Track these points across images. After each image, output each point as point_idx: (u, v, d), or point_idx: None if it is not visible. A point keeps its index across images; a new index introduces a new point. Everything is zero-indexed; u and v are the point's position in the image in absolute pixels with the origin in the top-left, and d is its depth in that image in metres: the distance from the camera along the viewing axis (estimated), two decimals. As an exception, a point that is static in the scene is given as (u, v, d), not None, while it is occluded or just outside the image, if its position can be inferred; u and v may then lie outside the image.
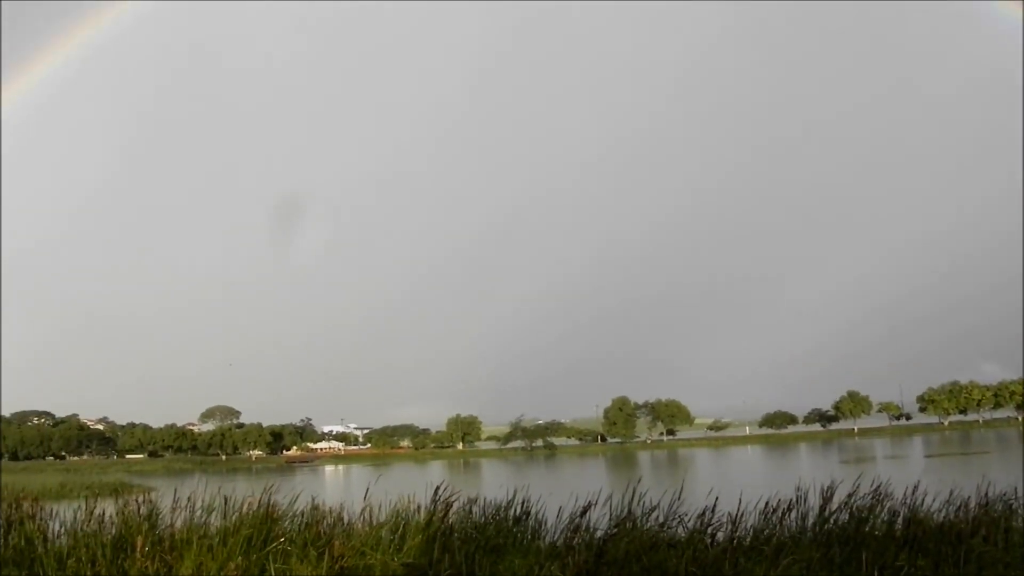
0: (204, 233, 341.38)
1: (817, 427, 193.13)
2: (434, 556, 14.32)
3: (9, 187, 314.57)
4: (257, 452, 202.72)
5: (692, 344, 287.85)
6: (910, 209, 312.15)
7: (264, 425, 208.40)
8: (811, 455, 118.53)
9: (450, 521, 15.87)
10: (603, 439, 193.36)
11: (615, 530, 15.10)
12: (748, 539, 15.37)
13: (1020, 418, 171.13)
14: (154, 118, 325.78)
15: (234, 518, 15.29)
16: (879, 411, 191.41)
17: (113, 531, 15.14)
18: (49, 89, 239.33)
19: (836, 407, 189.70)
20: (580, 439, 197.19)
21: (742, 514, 15.81)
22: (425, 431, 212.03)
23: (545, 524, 17.15)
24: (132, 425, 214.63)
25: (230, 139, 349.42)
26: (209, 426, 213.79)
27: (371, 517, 16.48)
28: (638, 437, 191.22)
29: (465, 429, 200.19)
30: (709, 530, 15.57)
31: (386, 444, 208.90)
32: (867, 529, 15.65)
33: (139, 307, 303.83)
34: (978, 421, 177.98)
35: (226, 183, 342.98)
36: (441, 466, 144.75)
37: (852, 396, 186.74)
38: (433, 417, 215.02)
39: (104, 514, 15.68)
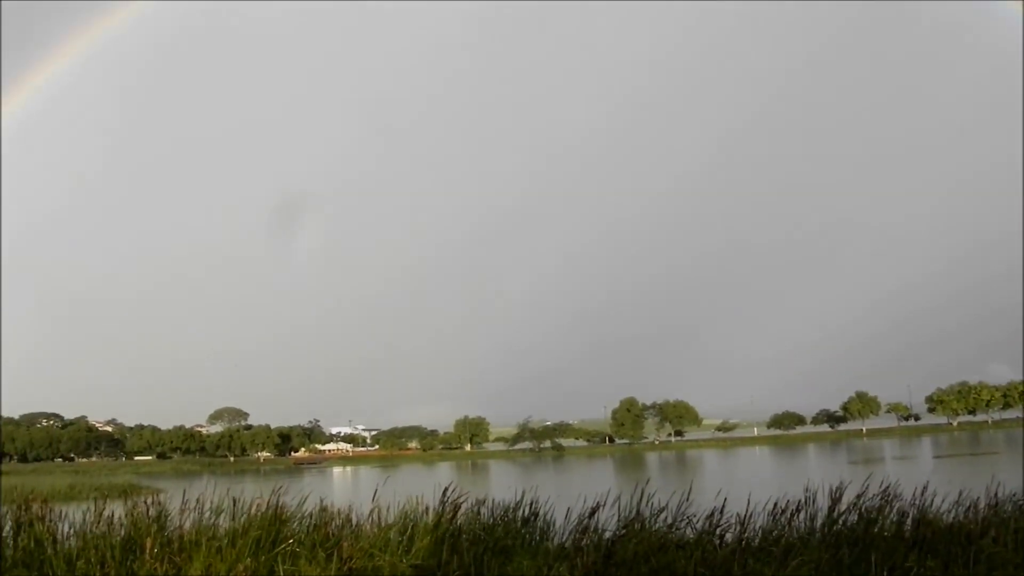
0: (210, 236, 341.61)
1: (825, 428, 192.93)
2: (443, 558, 14.32)
3: (23, 190, 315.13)
4: (265, 454, 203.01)
5: (700, 345, 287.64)
6: (920, 209, 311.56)
7: (272, 427, 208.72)
8: (819, 456, 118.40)
9: (459, 522, 15.85)
10: (611, 440, 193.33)
11: (624, 531, 15.09)
12: (757, 540, 15.35)
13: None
14: (155, 118, 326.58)
15: (243, 520, 15.31)
16: (887, 412, 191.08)
17: (122, 533, 15.15)
18: (50, 87, 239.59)
19: (844, 408, 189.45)
20: (588, 440, 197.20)
21: (751, 515, 15.78)
22: (433, 432, 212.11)
23: (554, 525, 17.14)
24: (140, 427, 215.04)
25: (232, 140, 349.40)
26: (217, 428, 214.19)
27: (379, 519, 16.48)
28: (646, 438, 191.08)
29: (473, 430, 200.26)
30: (718, 531, 15.55)
31: (394, 446, 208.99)
32: (876, 530, 15.62)
33: (147, 310, 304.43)
34: (987, 422, 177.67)
35: (224, 185, 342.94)
36: (449, 467, 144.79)
37: (860, 397, 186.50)
38: (441, 419, 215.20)
39: (113, 516, 15.68)
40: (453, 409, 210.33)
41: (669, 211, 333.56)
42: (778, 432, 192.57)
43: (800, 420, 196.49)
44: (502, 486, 24.26)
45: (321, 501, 17.38)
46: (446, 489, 16.36)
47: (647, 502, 16.21)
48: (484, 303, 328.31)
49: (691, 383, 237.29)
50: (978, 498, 17.14)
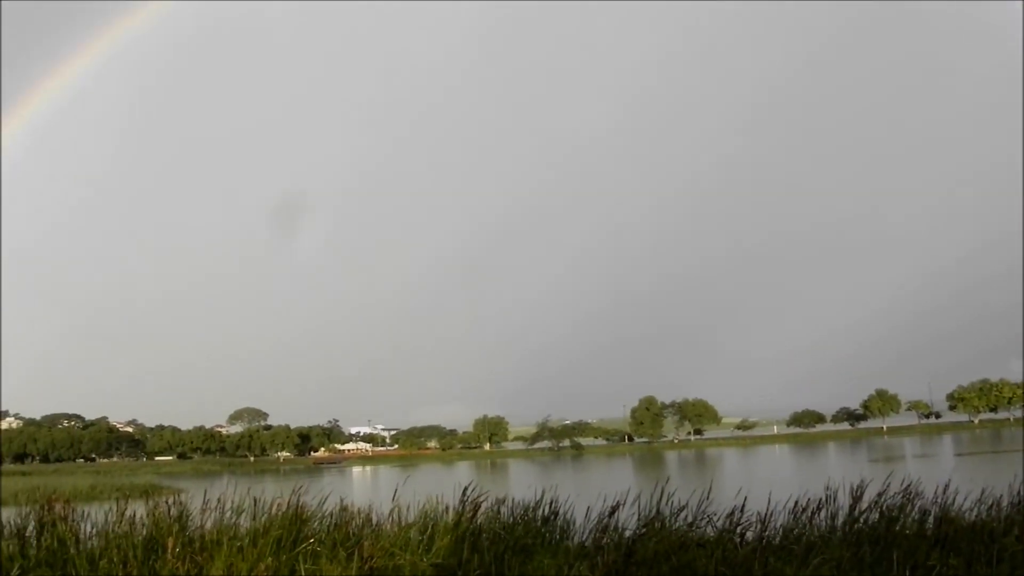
0: (225, 237, 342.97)
1: (845, 426, 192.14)
2: (463, 556, 14.32)
3: (38, 192, 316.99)
4: (285, 454, 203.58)
5: (719, 344, 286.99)
6: (940, 204, 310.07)
7: (292, 427, 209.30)
8: (840, 454, 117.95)
9: (479, 521, 15.84)
10: (630, 439, 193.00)
11: (644, 530, 15.07)
12: (777, 539, 15.30)
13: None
14: (163, 121, 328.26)
15: (263, 519, 15.35)
16: (908, 409, 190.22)
17: (144, 532, 15.21)
18: (57, 92, 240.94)
19: (865, 406, 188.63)
20: (607, 439, 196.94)
21: (771, 513, 15.71)
22: (452, 432, 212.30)
23: (574, 524, 17.15)
24: (161, 427, 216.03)
25: (242, 141, 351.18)
26: (237, 428, 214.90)
27: (400, 518, 16.51)
28: (665, 437, 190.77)
29: (492, 430, 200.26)
30: (738, 530, 15.49)
31: (413, 445, 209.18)
32: (898, 528, 15.54)
33: (166, 311, 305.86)
34: (1009, 419, 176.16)
35: (236, 186, 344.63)
36: (468, 467, 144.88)
37: (881, 395, 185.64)
38: (460, 418, 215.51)
39: (135, 516, 15.75)
40: (472, 408, 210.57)
41: (686, 209, 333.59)
42: (798, 430, 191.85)
43: (820, 418, 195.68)
44: (522, 485, 24.22)
45: (341, 500, 17.43)
46: (466, 488, 16.35)
47: (667, 501, 16.18)
48: (502, 303, 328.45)
49: (710, 382, 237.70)
50: (1001, 496, 17.01)
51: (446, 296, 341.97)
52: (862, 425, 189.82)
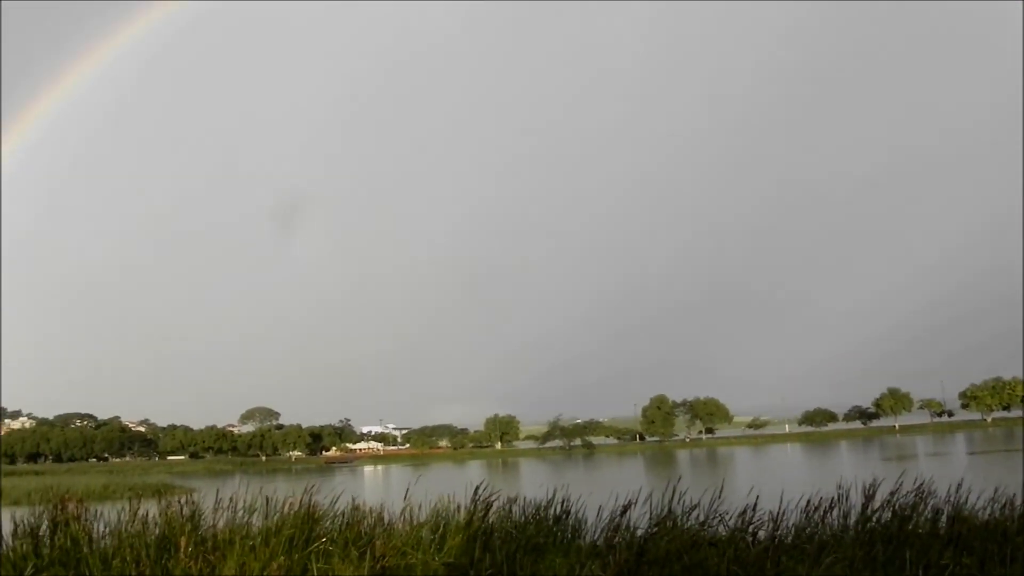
0: (237, 238, 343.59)
1: (857, 424, 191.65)
2: (475, 555, 14.32)
3: (52, 196, 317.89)
4: (296, 453, 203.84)
5: (731, 343, 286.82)
6: (948, 208, 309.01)
7: (303, 426, 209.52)
8: (852, 453, 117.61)
9: (490, 521, 15.85)
10: (641, 438, 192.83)
11: (655, 529, 15.04)
12: (790, 537, 15.27)
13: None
14: (164, 121, 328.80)
15: (276, 518, 15.39)
16: (920, 408, 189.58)
17: (157, 532, 15.26)
18: (55, 88, 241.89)
19: (877, 404, 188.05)
20: (618, 438, 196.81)
21: (783, 512, 15.69)
22: (463, 431, 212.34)
23: (585, 523, 17.12)
24: (173, 427, 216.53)
25: (244, 143, 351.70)
26: (249, 427, 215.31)
27: (411, 517, 16.53)
28: (677, 436, 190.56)
29: (503, 429, 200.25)
30: (750, 528, 15.45)
31: (424, 444, 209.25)
32: (910, 527, 15.49)
33: (180, 312, 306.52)
34: (1022, 417, 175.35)
35: (244, 184, 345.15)
36: (480, 466, 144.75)
37: (893, 393, 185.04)
38: (471, 417, 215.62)
39: (147, 515, 15.81)
40: (483, 407, 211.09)
41: (700, 210, 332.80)
42: (810, 429, 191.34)
43: (832, 417, 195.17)
44: (533, 484, 24.25)
45: (353, 500, 17.45)
46: (477, 487, 16.36)
47: (679, 500, 16.15)
48: (514, 303, 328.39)
49: (721, 381, 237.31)
50: (1014, 495, 16.93)
51: (457, 296, 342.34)
52: (874, 424, 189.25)
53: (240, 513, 15.92)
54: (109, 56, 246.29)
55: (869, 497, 16.08)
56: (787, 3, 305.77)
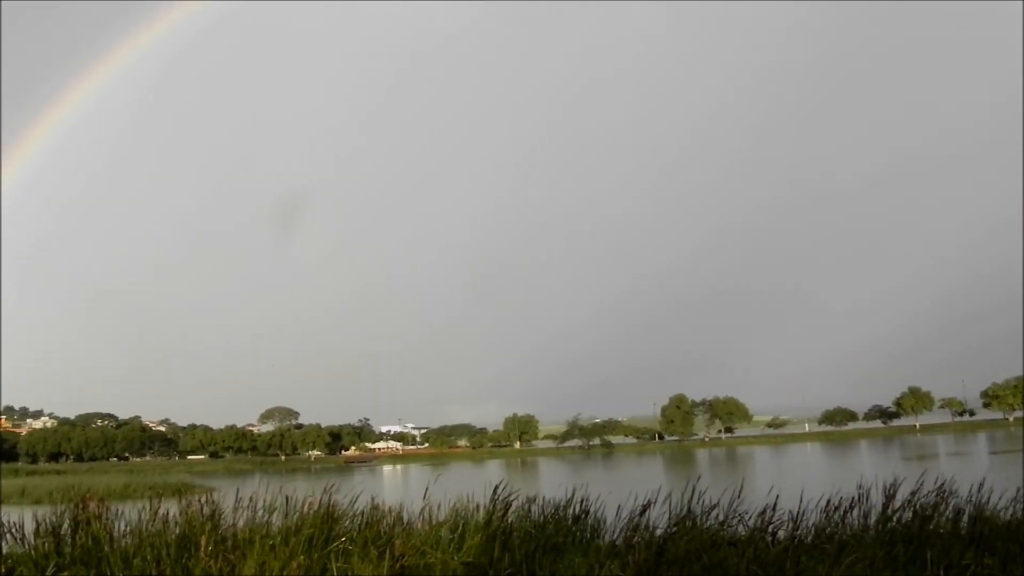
0: (257, 237, 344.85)
1: (878, 424, 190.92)
2: (494, 555, 14.32)
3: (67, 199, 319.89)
4: (316, 452, 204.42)
5: (750, 342, 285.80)
6: (968, 201, 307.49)
7: (322, 426, 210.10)
8: (872, 452, 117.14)
9: (509, 520, 15.83)
10: (660, 437, 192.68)
11: (675, 529, 15.02)
12: (810, 537, 15.21)
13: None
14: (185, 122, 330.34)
15: (295, 517, 15.41)
16: (941, 407, 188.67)
17: (177, 531, 15.30)
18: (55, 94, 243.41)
19: (897, 403, 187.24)
20: (637, 437, 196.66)
21: (803, 512, 15.62)
22: (482, 430, 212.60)
23: (604, 523, 17.12)
24: (193, 426, 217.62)
25: (263, 145, 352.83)
26: (268, 427, 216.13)
27: (430, 516, 16.53)
28: (696, 435, 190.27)
29: (522, 428, 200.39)
30: (770, 528, 15.40)
31: (443, 444, 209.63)
32: (931, 527, 15.40)
33: (199, 312, 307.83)
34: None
35: (255, 185, 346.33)
36: (498, 465, 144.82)
37: (913, 392, 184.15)
38: (490, 417, 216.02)
39: (168, 514, 15.84)
40: (502, 407, 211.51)
41: (718, 212, 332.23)
42: (830, 428, 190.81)
43: (852, 416, 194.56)
44: (552, 484, 24.25)
45: (372, 499, 17.46)
46: (496, 487, 16.36)
47: (698, 499, 16.10)
48: (532, 303, 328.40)
49: (741, 380, 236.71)
50: (1037, 494, 16.84)
51: (469, 295, 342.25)
52: (895, 423, 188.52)
53: (260, 512, 15.96)
54: (129, 57, 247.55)
55: (890, 497, 16.00)
56: (789, 3, 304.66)
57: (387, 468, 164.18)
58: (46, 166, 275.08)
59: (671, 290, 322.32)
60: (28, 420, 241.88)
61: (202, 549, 13.88)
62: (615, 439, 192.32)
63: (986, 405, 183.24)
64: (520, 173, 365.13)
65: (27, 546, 15.53)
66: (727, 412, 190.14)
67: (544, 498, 17.67)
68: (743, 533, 15.39)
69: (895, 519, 15.70)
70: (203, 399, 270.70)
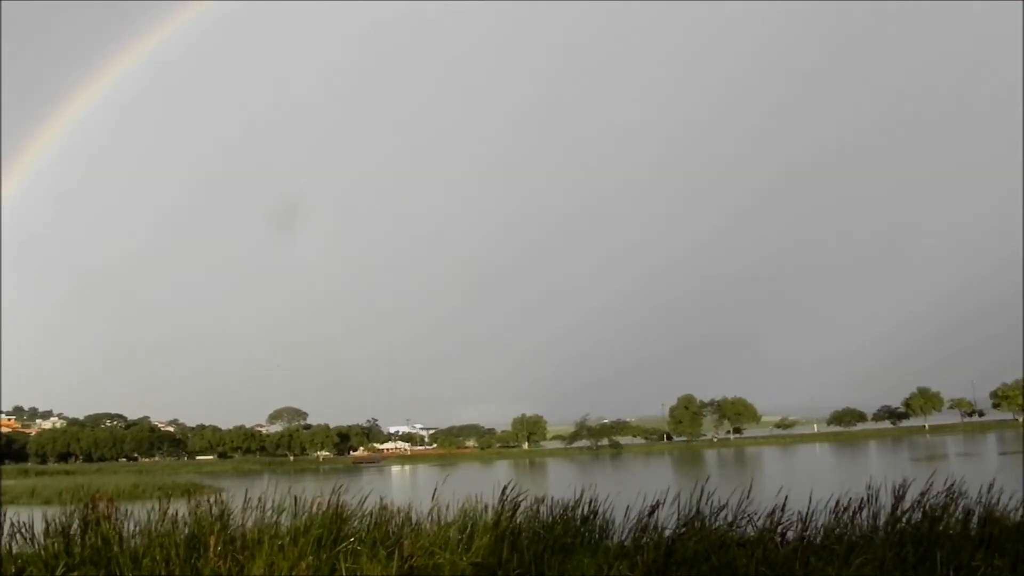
0: (263, 238, 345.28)
1: (887, 424, 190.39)
2: (503, 556, 14.31)
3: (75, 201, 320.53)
4: (324, 453, 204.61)
5: (759, 344, 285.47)
6: (980, 205, 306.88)
7: (331, 426, 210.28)
8: (881, 453, 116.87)
9: (518, 521, 15.82)
10: (669, 438, 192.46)
11: (683, 529, 14.99)
12: (819, 538, 15.18)
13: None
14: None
15: (304, 518, 15.42)
16: (950, 408, 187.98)
17: (186, 531, 15.33)
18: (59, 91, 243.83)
19: (906, 404, 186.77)
20: (646, 438, 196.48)
21: (812, 513, 15.59)
22: (490, 431, 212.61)
23: (613, 523, 17.08)
24: (202, 427, 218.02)
25: (268, 143, 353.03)
26: (277, 427, 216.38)
27: (439, 517, 16.54)
28: (704, 435, 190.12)
29: (530, 429, 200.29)
30: (779, 529, 15.37)
31: (452, 444, 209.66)
32: (941, 528, 15.36)
33: (207, 314, 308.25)
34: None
35: (256, 185, 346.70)
36: (507, 466, 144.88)
37: (922, 393, 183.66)
38: (498, 417, 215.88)
39: (177, 514, 15.87)
40: (510, 407, 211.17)
41: (729, 215, 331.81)
42: (838, 429, 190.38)
43: (861, 417, 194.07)
44: (560, 484, 24.20)
45: (381, 499, 17.48)
46: (505, 487, 16.34)
47: (707, 500, 16.08)
48: (540, 303, 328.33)
49: (750, 381, 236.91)
50: (1047, 495, 16.80)
51: (484, 296, 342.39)
52: (903, 424, 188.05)
53: (269, 513, 15.96)
54: (127, 56, 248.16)
55: (899, 498, 15.96)
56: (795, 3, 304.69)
57: (395, 468, 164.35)
58: (44, 163, 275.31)
59: (681, 293, 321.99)
60: (37, 420, 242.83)
61: (211, 549, 13.90)
62: (623, 440, 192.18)
63: (996, 406, 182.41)
64: (520, 172, 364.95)
65: (37, 546, 15.57)
66: (736, 413, 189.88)
67: (553, 499, 17.65)
68: (752, 534, 15.37)
69: (905, 520, 15.67)
70: (212, 400, 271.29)
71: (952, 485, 16.51)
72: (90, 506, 15.92)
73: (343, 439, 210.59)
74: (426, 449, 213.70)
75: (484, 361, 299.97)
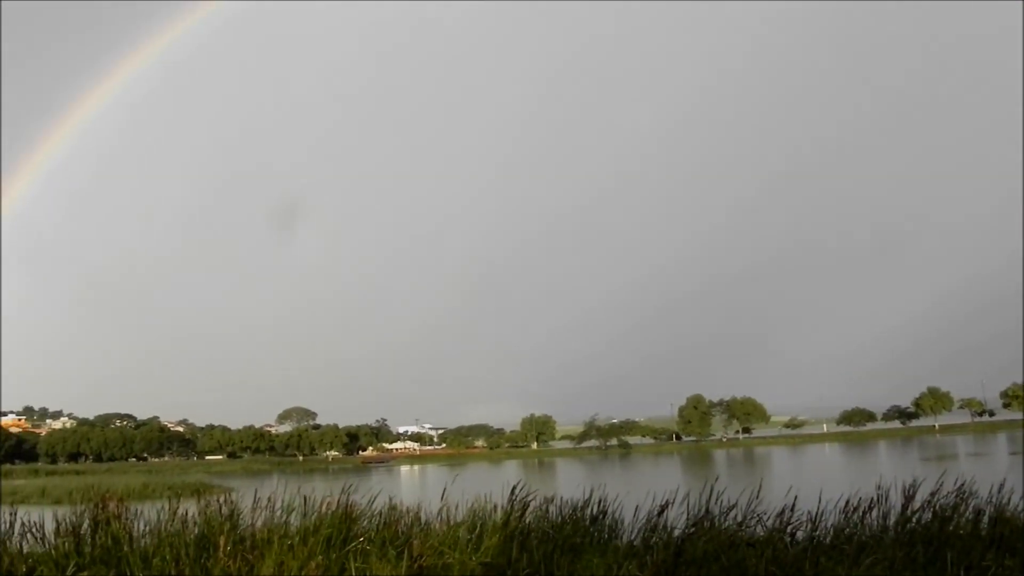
0: (264, 238, 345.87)
1: (896, 424, 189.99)
2: (512, 555, 14.31)
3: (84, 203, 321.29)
4: (333, 453, 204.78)
5: (768, 343, 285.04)
6: (990, 201, 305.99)
7: (340, 426, 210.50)
8: (891, 453, 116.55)
9: (527, 521, 15.82)
10: (678, 438, 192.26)
11: (693, 529, 14.98)
12: (828, 538, 15.16)
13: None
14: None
15: (313, 518, 15.43)
16: (960, 407, 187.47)
17: (196, 531, 15.36)
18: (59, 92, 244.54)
19: (916, 404, 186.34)
20: (655, 438, 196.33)
21: (822, 513, 15.59)
22: (499, 431, 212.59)
23: (622, 523, 17.05)
24: (211, 427, 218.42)
25: (271, 143, 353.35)
26: (286, 427, 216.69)
27: (448, 517, 16.53)
28: (713, 435, 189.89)
29: (539, 428, 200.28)
30: (789, 529, 15.36)
31: (461, 444, 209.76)
32: (951, 528, 15.31)
33: (216, 314, 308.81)
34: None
35: (260, 185, 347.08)
36: (516, 466, 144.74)
37: (932, 392, 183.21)
38: (507, 417, 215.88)
39: (186, 514, 15.90)
40: (519, 407, 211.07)
41: (735, 213, 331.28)
42: (848, 429, 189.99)
43: (870, 416, 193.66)
44: (570, 484, 24.22)
45: (390, 499, 17.47)
46: (514, 487, 16.33)
47: (716, 500, 16.05)
48: (549, 303, 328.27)
49: (759, 380, 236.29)
50: (1058, 495, 16.72)
51: (487, 296, 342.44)
52: (913, 423, 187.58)
53: (278, 512, 15.97)
54: (132, 58, 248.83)
55: (909, 497, 15.92)
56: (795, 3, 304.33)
57: (404, 468, 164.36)
58: (55, 163, 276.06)
59: (689, 293, 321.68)
60: (47, 421, 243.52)
61: (221, 549, 13.92)
62: (632, 440, 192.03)
63: (1006, 405, 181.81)
64: (522, 172, 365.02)
65: (47, 546, 15.60)
66: (745, 412, 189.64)
67: (562, 498, 17.63)
68: (761, 534, 15.34)
69: (915, 520, 15.62)
70: (221, 400, 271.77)
71: (962, 485, 16.44)
72: (100, 506, 15.94)
73: (352, 439, 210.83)
74: (435, 449, 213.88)
75: (488, 361, 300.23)
